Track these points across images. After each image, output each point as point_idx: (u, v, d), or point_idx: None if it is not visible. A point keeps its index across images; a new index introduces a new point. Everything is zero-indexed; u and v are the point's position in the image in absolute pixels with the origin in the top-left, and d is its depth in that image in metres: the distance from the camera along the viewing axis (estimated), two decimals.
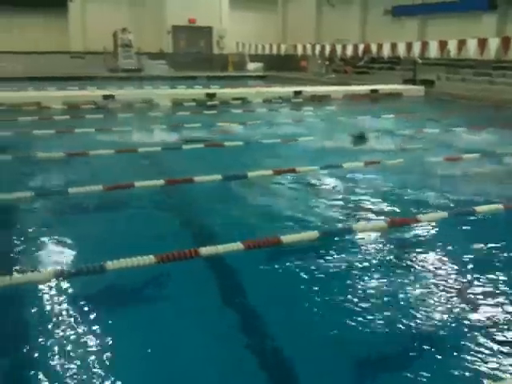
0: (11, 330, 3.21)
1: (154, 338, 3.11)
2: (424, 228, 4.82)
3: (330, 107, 14.22)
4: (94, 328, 3.17)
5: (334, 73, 25.21)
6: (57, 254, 4.17)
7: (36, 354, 2.93)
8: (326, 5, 30.42)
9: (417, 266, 4.08)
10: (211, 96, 14.91)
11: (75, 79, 20.38)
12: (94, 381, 2.70)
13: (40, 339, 3.05)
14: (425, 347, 3.07)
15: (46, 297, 3.51)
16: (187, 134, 9.52)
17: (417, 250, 4.40)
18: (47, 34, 27.64)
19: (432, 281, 3.84)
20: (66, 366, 2.81)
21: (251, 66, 28.43)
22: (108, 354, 2.93)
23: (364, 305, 3.48)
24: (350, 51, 20.48)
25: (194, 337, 3.15)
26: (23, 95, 14.17)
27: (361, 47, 19.97)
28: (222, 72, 26.79)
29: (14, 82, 18.28)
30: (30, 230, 4.69)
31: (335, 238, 4.51)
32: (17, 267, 3.92)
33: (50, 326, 3.19)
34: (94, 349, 2.99)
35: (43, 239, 4.47)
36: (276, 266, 4.15)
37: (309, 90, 16.43)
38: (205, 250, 3.88)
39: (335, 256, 4.25)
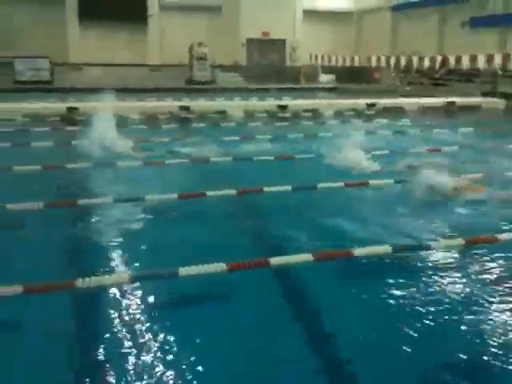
0: (88, 330, 3.36)
1: (220, 342, 3.17)
2: (503, 248, 4.59)
3: (404, 120, 13.89)
4: (164, 330, 3.27)
5: (408, 85, 24.66)
6: (132, 258, 4.33)
7: (109, 354, 3.05)
8: (402, 18, 29.90)
9: (492, 286, 3.89)
10: (283, 108, 14.99)
11: (153, 91, 21.19)
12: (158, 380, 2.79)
13: (114, 339, 3.18)
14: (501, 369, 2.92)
15: (121, 298, 3.66)
16: (258, 145, 9.63)
17: (493, 270, 4.20)
18: (130, 48, 29.00)
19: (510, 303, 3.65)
20: (135, 366, 2.91)
21: (323, 77, 28.34)
22: (177, 356, 3.01)
23: (433, 323, 3.37)
24: (426, 63, 19.97)
25: (259, 343, 3.18)
26: (102, 106, 14.86)
27: (438, 59, 19.43)
28: (294, 84, 26.90)
29: (99, 93, 19.24)
30: (108, 235, 4.90)
31: (409, 254, 4.39)
32: (95, 270, 4.10)
33: (122, 327, 3.31)
34: (160, 350, 3.07)
35: (120, 243, 4.67)
36: (345, 279, 4.10)
37: (382, 102, 16.15)
38: (275, 260, 3.89)
39: (407, 272, 4.14)
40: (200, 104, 15.88)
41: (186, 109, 14.37)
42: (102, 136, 8.49)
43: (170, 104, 15.30)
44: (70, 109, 13.29)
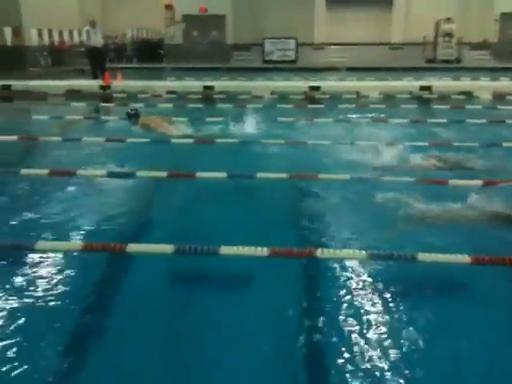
0: (314, 304, 3.50)
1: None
2: None
3: None
4: (394, 313, 3.27)
5: None
6: (367, 236, 4.35)
7: (333, 331, 3.11)
8: None
9: None
10: None
11: (393, 70, 20.82)
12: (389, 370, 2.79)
13: (341, 316, 3.26)
14: None
15: (357, 274, 3.73)
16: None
17: None
18: (372, 26, 28.77)
19: None
20: (363, 348, 2.95)
21: None
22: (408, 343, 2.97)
23: None
24: None
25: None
26: (344, 85, 15.19)
27: None
28: None
29: (339, 72, 19.74)
30: (340, 209, 5.02)
31: None
32: (328, 243, 4.24)
33: (353, 303, 3.39)
34: (388, 332, 3.07)
35: (352, 219, 4.74)
36: None
37: None
38: None
39: None
40: (443, 84, 15.05)
41: (427, 89, 13.76)
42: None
43: (410, 84, 14.83)
44: (312, 88, 13.89)
